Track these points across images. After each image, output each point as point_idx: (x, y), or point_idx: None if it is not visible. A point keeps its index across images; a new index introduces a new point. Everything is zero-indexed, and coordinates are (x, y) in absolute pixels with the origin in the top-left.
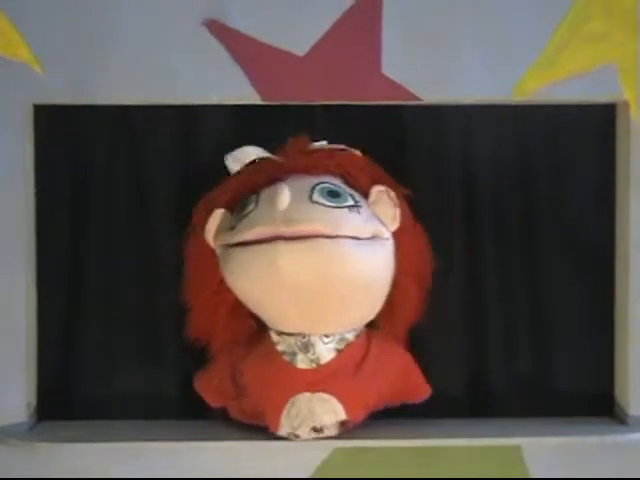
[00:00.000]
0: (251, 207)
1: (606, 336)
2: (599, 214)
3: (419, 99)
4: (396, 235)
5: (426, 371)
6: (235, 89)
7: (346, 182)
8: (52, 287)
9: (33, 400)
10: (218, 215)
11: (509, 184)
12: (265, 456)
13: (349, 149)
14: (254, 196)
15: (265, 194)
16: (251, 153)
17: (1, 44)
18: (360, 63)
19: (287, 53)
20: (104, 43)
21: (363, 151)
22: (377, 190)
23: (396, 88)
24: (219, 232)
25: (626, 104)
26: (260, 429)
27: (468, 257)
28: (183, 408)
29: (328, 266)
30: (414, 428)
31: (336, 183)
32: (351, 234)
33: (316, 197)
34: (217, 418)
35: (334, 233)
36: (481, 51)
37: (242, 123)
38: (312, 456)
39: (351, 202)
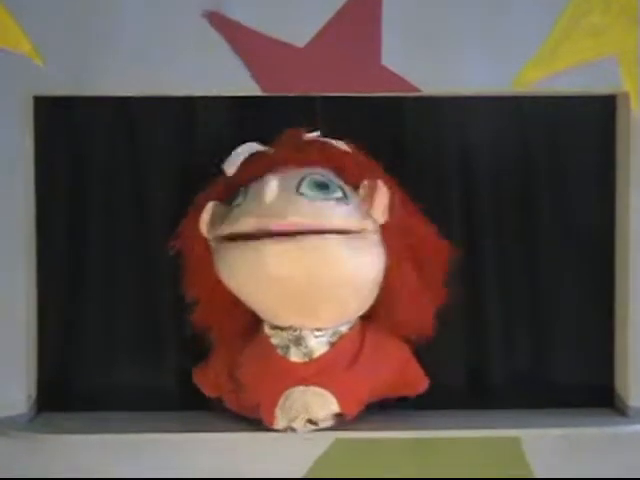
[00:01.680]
0: (240, 200)
1: (606, 328)
2: (599, 207)
3: (419, 90)
4: (387, 227)
5: (426, 363)
6: (235, 81)
7: (338, 175)
8: (52, 279)
9: (33, 392)
10: (211, 207)
11: (508, 177)
12: (265, 447)
13: (340, 143)
14: (243, 189)
15: (254, 187)
16: (245, 151)
17: (1, 36)
18: (360, 55)
19: (287, 45)
20: (104, 35)
21: (363, 142)
22: (366, 184)
23: (396, 79)
24: (212, 224)
25: (626, 96)
26: (259, 421)
27: (468, 250)
28: (182, 400)
29: (315, 263)
30: (414, 420)
31: (326, 175)
32: (338, 227)
33: (303, 189)
34: (216, 409)
35: (320, 226)
36: (481, 42)
37: (242, 115)
38: (312, 447)
39: (339, 194)
